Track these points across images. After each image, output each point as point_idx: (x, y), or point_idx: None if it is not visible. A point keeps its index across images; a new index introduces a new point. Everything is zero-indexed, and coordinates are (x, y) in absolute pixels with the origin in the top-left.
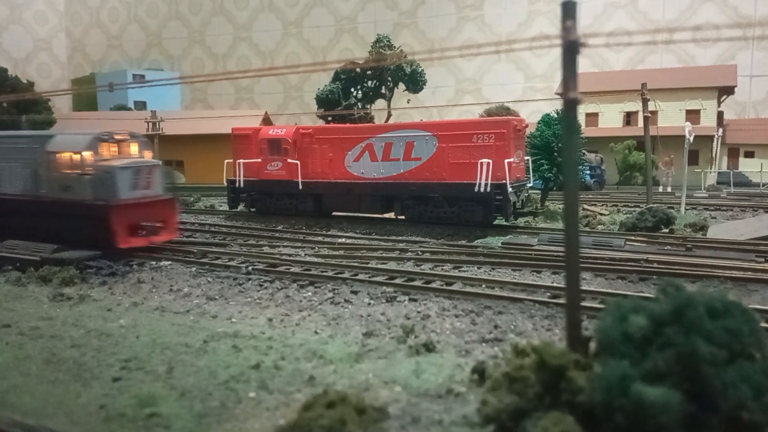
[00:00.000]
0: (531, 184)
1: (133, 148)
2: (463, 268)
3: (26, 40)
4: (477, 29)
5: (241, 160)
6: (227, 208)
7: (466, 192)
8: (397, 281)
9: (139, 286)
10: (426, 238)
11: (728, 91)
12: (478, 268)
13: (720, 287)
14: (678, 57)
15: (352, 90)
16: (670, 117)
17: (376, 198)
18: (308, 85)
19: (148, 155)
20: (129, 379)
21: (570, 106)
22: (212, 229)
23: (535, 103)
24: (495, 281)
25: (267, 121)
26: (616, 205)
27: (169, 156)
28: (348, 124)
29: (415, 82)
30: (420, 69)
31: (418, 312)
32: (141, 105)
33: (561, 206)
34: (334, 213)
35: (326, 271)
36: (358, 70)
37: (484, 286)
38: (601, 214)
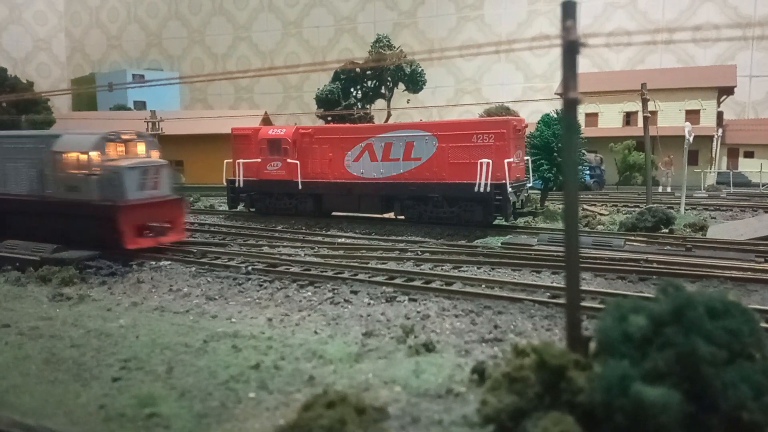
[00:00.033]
0: (531, 184)
1: (140, 148)
2: (462, 268)
3: (26, 40)
4: (477, 29)
5: (241, 160)
6: (227, 208)
7: (465, 192)
8: (397, 281)
9: (139, 286)
10: (426, 238)
11: (728, 91)
12: (478, 268)
13: (720, 287)
14: (678, 57)
15: (352, 90)
16: (670, 117)
17: (375, 198)
18: (308, 85)
19: (155, 155)
20: (128, 379)
21: (570, 106)
22: (212, 229)
23: (535, 103)
24: (495, 281)
25: (267, 121)
26: (616, 205)
27: (168, 156)
28: (348, 124)
29: (414, 82)
30: (420, 69)
31: (418, 312)
32: (140, 105)
33: (561, 206)
34: (334, 213)
35: (326, 271)
36: (357, 70)
37: (483, 286)
38: (601, 214)
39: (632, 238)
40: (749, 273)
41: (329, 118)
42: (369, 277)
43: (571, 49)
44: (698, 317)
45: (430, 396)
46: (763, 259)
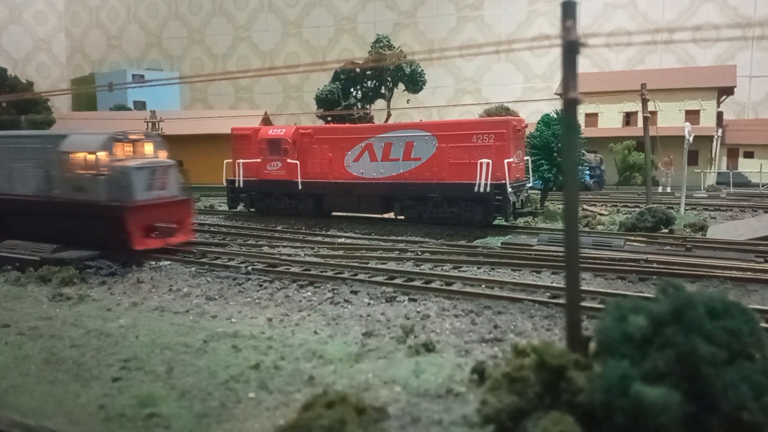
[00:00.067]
0: (531, 185)
1: (148, 148)
2: (462, 268)
3: (26, 40)
4: (477, 29)
5: (241, 160)
6: (227, 208)
7: (465, 192)
8: (397, 281)
9: (139, 286)
10: (425, 238)
11: (728, 91)
12: (478, 268)
13: (720, 287)
14: (678, 57)
15: (352, 90)
16: (670, 117)
17: (375, 198)
18: (308, 85)
19: (162, 155)
20: (128, 379)
21: (570, 106)
22: (212, 229)
23: (535, 103)
24: (495, 281)
25: (266, 121)
26: (616, 206)
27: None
28: (347, 124)
29: (414, 82)
30: (420, 69)
31: (418, 312)
32: (140, 105)
33: (561, 206)
34: (334, 213)
35: (326, 271)
36: (357, 70)
37: (483, 286)
38: (601, 215)
39: (632, 238)
40: (749, 273)
41: (329, 118)
42: (369, 277)
43: (571, 49)
44: (698, 317)
45: (430, 396)
46: (762, 259)
